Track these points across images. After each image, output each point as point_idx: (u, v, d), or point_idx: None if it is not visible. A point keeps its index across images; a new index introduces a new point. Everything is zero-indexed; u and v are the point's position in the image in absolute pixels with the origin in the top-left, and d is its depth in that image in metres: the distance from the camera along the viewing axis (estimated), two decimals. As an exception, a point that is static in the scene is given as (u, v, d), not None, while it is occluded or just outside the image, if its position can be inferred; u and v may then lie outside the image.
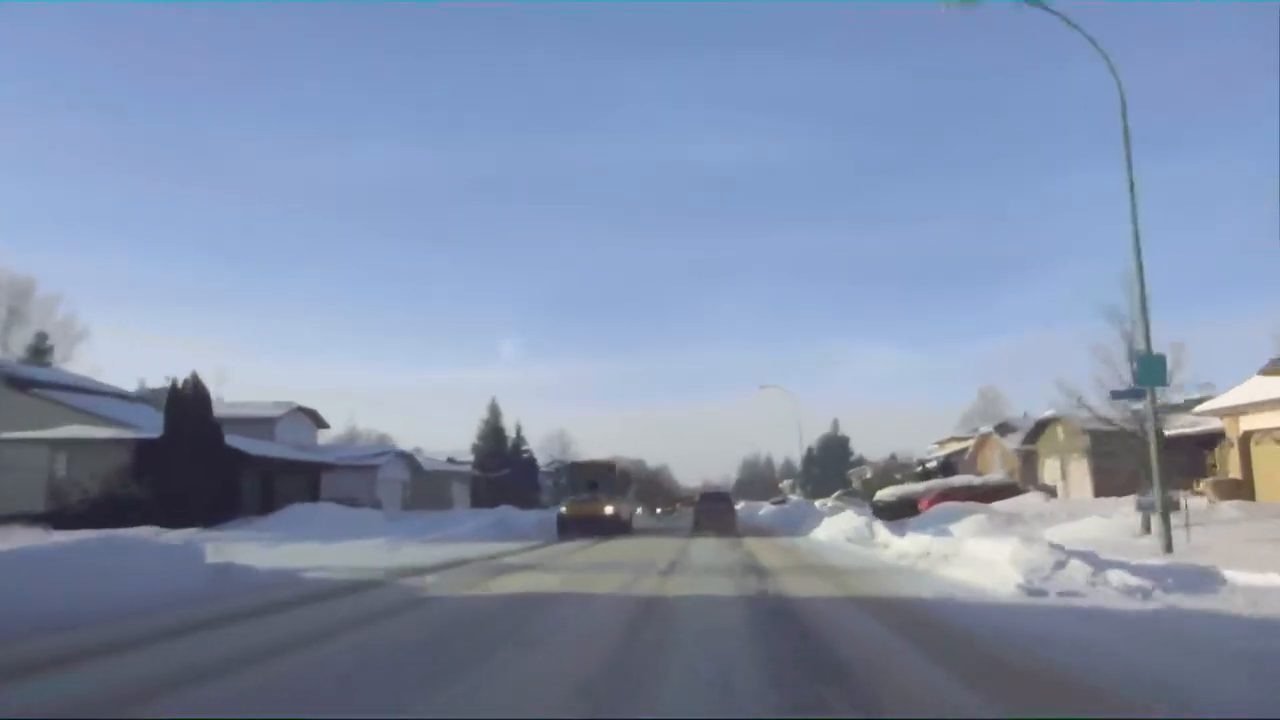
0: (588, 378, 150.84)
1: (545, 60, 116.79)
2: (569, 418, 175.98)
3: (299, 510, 28.74)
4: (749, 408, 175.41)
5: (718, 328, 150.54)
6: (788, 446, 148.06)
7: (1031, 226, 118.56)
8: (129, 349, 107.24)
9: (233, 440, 29.56)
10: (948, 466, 53.48)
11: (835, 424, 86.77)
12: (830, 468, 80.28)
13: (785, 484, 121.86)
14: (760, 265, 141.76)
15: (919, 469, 56.30)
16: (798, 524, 31.22)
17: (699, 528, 29.29)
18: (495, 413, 71.67)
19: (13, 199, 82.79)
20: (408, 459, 50.88)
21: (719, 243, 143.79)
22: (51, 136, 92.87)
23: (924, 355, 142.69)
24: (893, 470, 60.49)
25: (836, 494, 57.23)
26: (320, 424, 44.98)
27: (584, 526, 25.62)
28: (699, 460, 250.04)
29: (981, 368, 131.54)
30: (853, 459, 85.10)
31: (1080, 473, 36.27)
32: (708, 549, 20.29)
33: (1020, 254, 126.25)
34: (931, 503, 33.29)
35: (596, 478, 29.82)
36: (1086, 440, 33.27)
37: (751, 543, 22.90)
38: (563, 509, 27.41)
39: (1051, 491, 36.45)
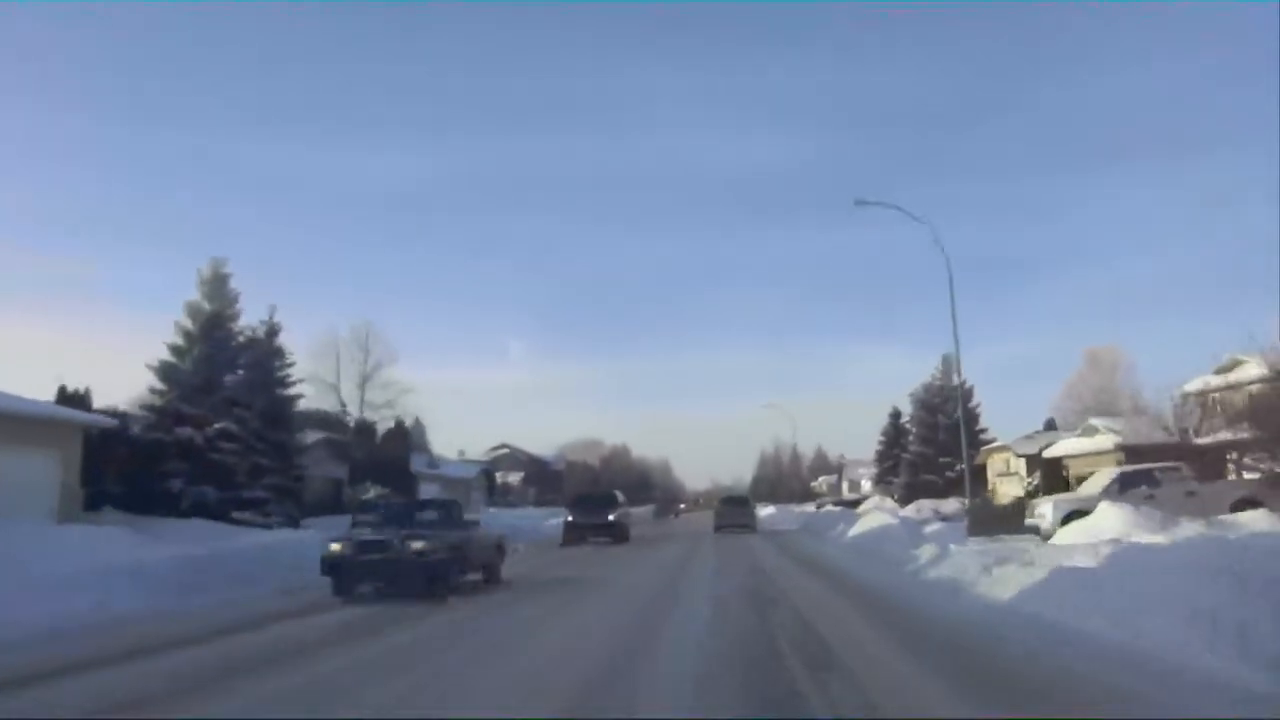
0: (593, 376, 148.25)
1: (556, 60, 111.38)
2: (572, 417, 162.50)
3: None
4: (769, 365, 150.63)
5: (728, 330, 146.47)
6: (818, 435, 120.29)
7: (1047, 229, 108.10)
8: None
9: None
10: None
11: (945, 364, 46.11)
12: (938, 443, 44.61)
13: (819, 482, 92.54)
14: (771, 267, 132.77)
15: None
16: None
17: (720, 529, 33.59)
18: (217, 284, 27.45)
19: None
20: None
21: (731, 244, 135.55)
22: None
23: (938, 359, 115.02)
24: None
25: (1110, 479, 21.40)
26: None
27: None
28: (707, 463, 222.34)
29: (1005, 366, 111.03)
30: (979, 428, 48.03)
31: None
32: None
33: (1035, 256, 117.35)
34: None
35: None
36: None
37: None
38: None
39: None
